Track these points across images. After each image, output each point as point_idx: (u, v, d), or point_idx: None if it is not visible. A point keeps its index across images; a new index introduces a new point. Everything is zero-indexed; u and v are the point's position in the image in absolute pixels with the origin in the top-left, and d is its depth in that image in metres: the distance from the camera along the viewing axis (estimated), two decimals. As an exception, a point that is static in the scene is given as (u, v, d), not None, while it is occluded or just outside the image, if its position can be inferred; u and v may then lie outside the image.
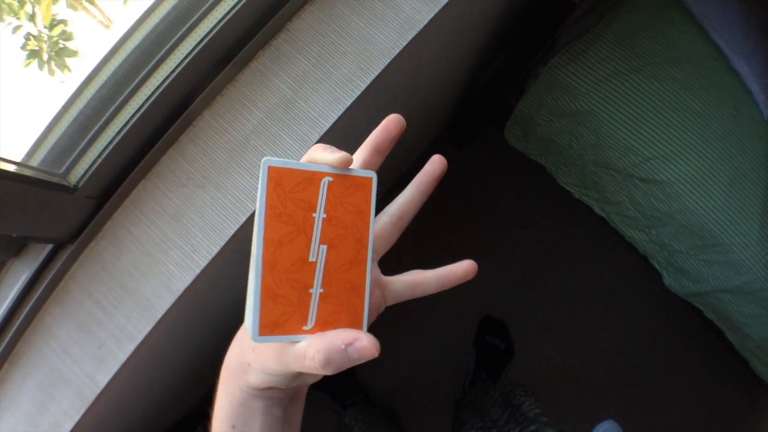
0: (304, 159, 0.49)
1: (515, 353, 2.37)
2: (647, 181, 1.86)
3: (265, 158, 0.44)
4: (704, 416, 2.40)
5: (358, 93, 0.95)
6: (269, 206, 0.44)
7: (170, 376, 1.37)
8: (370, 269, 0.49)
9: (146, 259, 0.92)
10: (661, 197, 1.87)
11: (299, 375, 0.50)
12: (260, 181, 0.44)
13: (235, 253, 1.02)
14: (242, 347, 0.52)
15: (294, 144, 0.93)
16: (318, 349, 0.44)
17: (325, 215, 0.46)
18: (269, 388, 0.52)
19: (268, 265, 0.45)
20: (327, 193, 0.46)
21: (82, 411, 0.91)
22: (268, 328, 0.45)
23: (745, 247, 1.80)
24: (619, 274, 2.50)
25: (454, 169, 2.47)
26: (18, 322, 0.91)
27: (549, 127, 2.02)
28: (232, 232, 0.91)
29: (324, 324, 0.47)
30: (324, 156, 0.47)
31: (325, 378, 0.52)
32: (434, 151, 1.96)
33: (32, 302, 0.91)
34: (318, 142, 0.93)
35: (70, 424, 0.91)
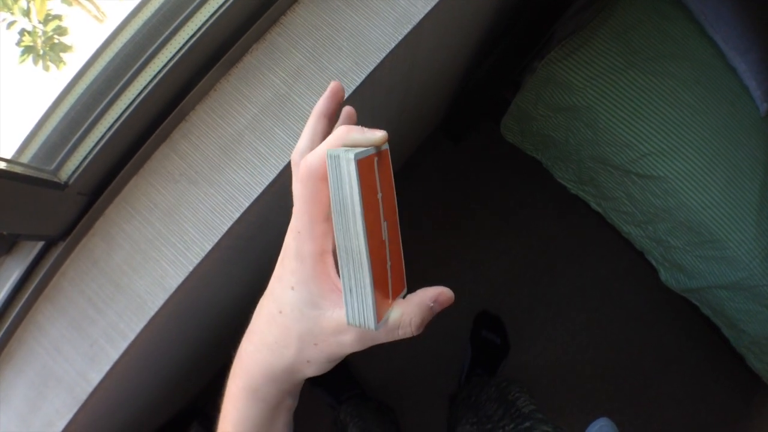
0: (336, 143, 0.48)
1: (511, 349, 2.37)
2: (644, 176, 1.86)
3: (341, 151, 0.43)
4: (700, 412, 2.40)
5: (354, 88, 0.94)
6: (365, 201, 0.44)
7: (164, 373, 1.36)
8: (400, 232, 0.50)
9: (138, 256, 0.91)
10: (657, 193, 1.86)
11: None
12: (348, 175, 0.43)
13: (229, 250, 1.01)
14: (295, 348, 0.50)
15: (288, 139, 0.93)
16: (414, 314, 0.46)
17: (381, 194, 0.47)
18: (299, 382, 0.54)
19: (373, 257, 0.45)
20: (378, 173, 0.47)
21: (75, 410, 0.90)
22: (380, 315, 0.45)
23: (741, 244, 1.80)
24: (615, 269, 2.50)
25: (449, 164, 2.47)
26: (9, 320, 0.91)
27: (545, 122, 2.02)
28: (226, 228, 0.91)
29: (395, 292, 0.49)
30: (367, 138, 0.46)
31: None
32: (430, 146, 1.95)
33: (24, 300, 0.90)
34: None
35: (63, 423, 0.90)
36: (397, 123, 1.53)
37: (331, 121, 0.56)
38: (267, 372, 0.52)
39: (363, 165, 0.43)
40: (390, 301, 0.47)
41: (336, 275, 0.48)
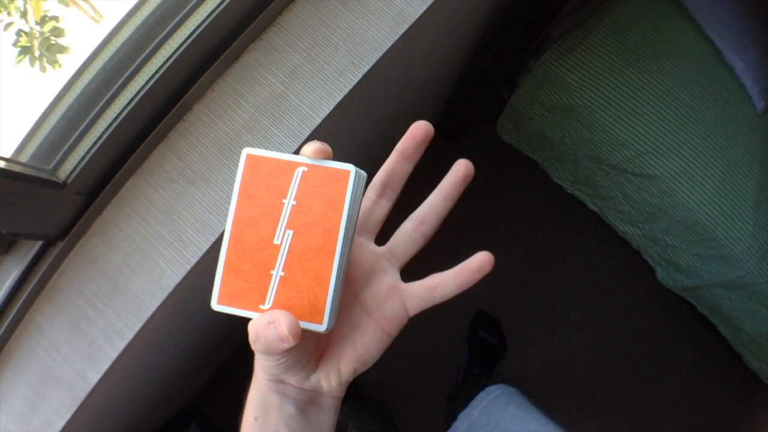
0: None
1: (508, 349, 2.37)
2: (640, 175, 1.86)
3: (246, 148, 0.49)
4: (698, 411, 2.41)
5: (350, 87, 0.94)
6: (242, 188, 0.48)
7: (163, 372, 1.36)
8: (340, 263, 0.49)
9: (136, 255, 0.92)
10: (654, 192, 1.87)
11: (289, 368, 0.51)
12: (239, 166, 0.49)
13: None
14: None
15: (285, 139, 0.93)
16: (252, 325, 0.47)
17: (294, 202, 0.48)
18: (278, 382, 0.53)
19: (234, 241, 0.49)
20: (300, 182, 0.48)
21: (74, 409, 0.90)
22: (226, 298, 0.49)
23: (738, 242, 1.80)
24: (611, 269, 2.51)
25: (445, 163, 2.46)
26: (8, 320, 0.91)
27: (541, 121, 2.02)
28: (223, 227, 0.91)
29: (281, 306, 0.48)
30: (304, 148, 0.49)
31: None
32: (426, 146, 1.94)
33: (22, 300, 0.90)
34: (309, 136, 0.93)
35: (62, 423, 0.90)
36: (393, 122, 1.54)
37: (408, 161, 0.60)
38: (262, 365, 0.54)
39: (257, 161, 0.49)
40: (265, 307, 0.49)
41: None
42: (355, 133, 1.27)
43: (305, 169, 0.48)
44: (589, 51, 1.84)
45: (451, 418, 1.87)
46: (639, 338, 2.46)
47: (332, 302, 0.49)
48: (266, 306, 0.48)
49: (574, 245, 2.53)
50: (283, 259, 0.48)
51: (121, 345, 0.91)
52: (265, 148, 0.50)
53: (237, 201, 0.48)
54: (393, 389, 2.33)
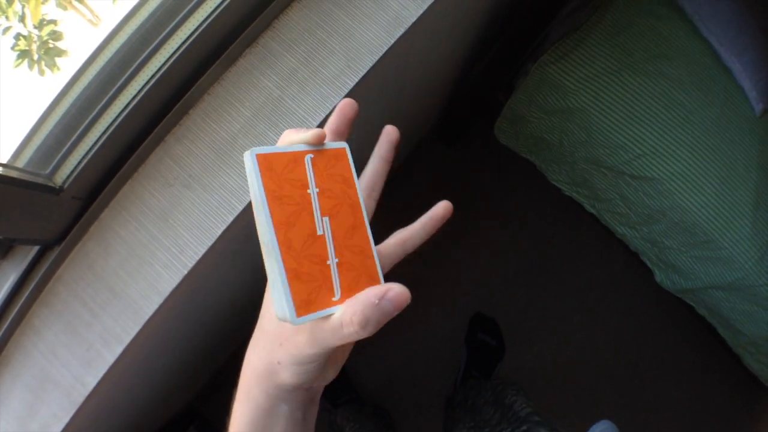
0: (278, 144, 0.50)
1: (506, 351, 2.37)
2: (638, 178, 1.86)
3: (252, 149, 0.45)
4: (697, 412, 2.41)
5: (346, 91, 0.95)
6: (268, 191, 0.45)
7: (160, 376, 1.37)
8: (370, 230, 0.50)
9: (133, 260, 0.92)
10: (652, 194, 1.87)
11: (330, 362, 0.51)
12: (250, 170, 0.45)
13: (223, 253, 1.01)
14: (267, 349, 0.51)
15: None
16: (354, 311, 0.44)
17: (317, 189, 0.48)
18: (296, 389, 0.52)
19: (285, 247, 0.45)
20: (313, 169, 0.48)
21: (71, 413, 0.91)
22: (302, 308, 0.45)
23: (736, 244, 1.80)
24: (610, 271, 2.51)
25: (443, 167, 2.47)
26: (6, 325, 0.91)
27: (539, 124, 2.02)
28: (220, 232, 0.91)
29: (349, 291, 0.47)
30: (299, 136, 0.49)
31: None
32: (424, 148, 1.95)
33: (20, 304, 0.90)
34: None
35: (59, 427, 0.90)
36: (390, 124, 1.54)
37: (388, 162, 0.60)
38: (253, 374, 0.53)
39: (269, 159, 0.46)
40: (336, 298, 0.47)
41: None
42: (352, 136, 1.27)
43: (311, 155, 0.48)
44: (586, 54, 1.84)
45: (451, 421, 1.87)
46: (638, 340, 2.46)
47: (380, 267, 0.50)
48: (337, 297, 0.47)
49: (573, 247, 2.53)
50: (332, 246, 0.48)
51: (119, 349, 0.91)
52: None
53: (268, 206, 0.45)
54: (392, 392, 2.33)
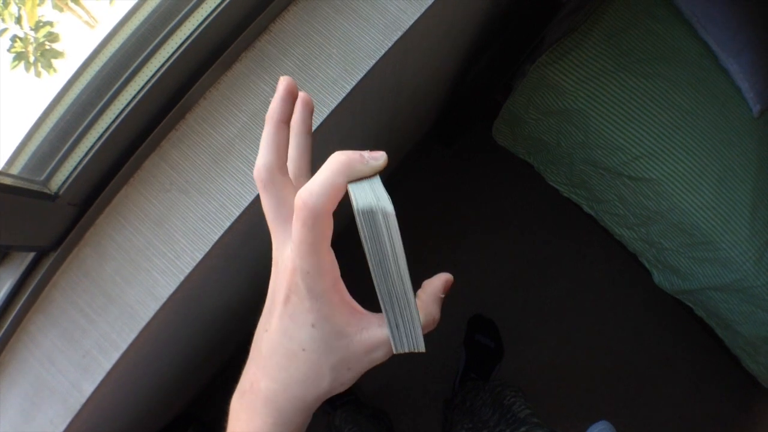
0: (340, 174, 0.43)
1: (505, 352, 2.37)
2: (636, 179, 1.86)
3: (374, 203, 0.41)
4: (695, 413, 2.41)
5: (344, 95, 0.94)
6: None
7: (158, 381, 1.36)
8: None
9: (130, 266, 0.91)
10: (650, 195, 1.87)
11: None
12: (383, 229, 0.41)
13: (220, 259, 1.01)
14: (330, 378, 0.49)
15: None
16: (434, 311, 0.49)
17: None
18: (319, 401, 0.52)
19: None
20: None
21: (68, 420, 0.90)
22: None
23: (734, 245, 1.80)
24: (608, 272, 2.51)
25: (441, 168, 2.46)
26: (2, 332, 0.90)
27: (537, 125, 2.02)
28: (217, 237, 0.91)
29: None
30: (371, 166, 0.44)
31: None
32: (422, 150, 1.94)
33: (16, 311, 0.90)
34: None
35: (56, 434, 0.90)
36: (387, 128, 1.53)
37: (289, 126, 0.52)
38: (301, 405, 0.51)
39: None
40: None
41: (350, 296, 0.48)
42: (350, 138, 1.27)
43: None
44: (584, 55, 1.84)
45: (449, 423, 1.87)
46: (636, 341, 2.46)
47: None
48: None
49: (571, 249, 2.53)
50: None
51: (115, 356, 0.90)
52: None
53: (405, 264, 0.43)
54: (390, 393, 2.33)
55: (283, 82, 0.50)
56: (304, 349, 0.48)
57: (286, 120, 0.50)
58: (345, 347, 0.47)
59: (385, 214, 0.40)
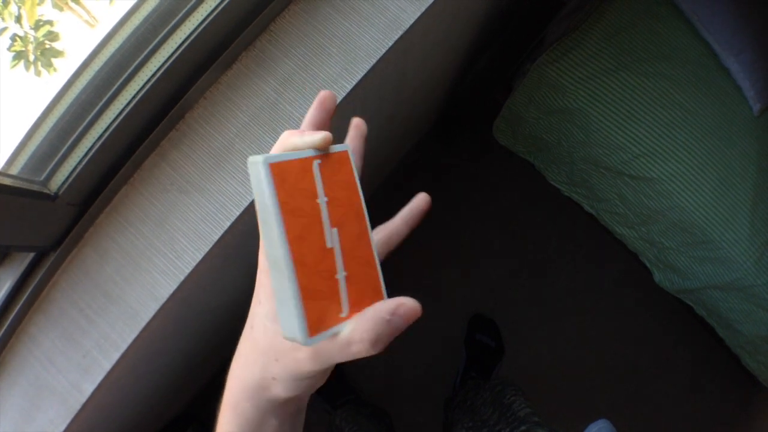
0: (277, 149, 0.47)
1: (505, 351, 2.37)
2: (637, 178, 1.86)
3: (259, 157, 0.42)
4: (696, 412, 2.40)
5: (344, 94, 0.94)
6: (282, 204, 0.42)
7: (158, 381, 1.36)
8: (373, 238, 0.48)
9: (130, 266, 0.91)
10: (650, 194, 1.87)
11: (326, 372, 0.49)
12: (261, 181, 0.42)
13: (220, 258, 1.01)
14: (260, 363, 0.49)
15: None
16: (365, 329, 0.42)
17: (326, 198, 0.45)
18: (288, 402, 0.51)
19: (299, 264, 0.42)
20: (321, 177, 0.45)
21: (68, 420, 0.90)
22: (314, 328, 0.42)
23: (735, 244, 1.80)
24: (608, 271, 2.50)
25: (441, 168, 2.46)
26: (2, 332, 0.90)
27: (537, 124, 2.02)
28: (217, 237, 0.90)
29: (356, 305, 0.45)
30: (305, 140, 0.45)
31: None
32: (422, 149, 1.95)
33: (16, 311, 0.90)
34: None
35: (56, 433, 0.90)
36: (388, 127, 1.53)
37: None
38: (243, 388, 0.51)
39: (281, 168, 0.42)
40: (344, 315, 0.44)
41: None
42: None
43: (319, 161, 0.45)
44: (584, 54, 1.83)
45: (450, 422, 1.87)
46: (637, 340, 2.46)
47: (381, 275, 0.47)
48: (344, 313, 0.44)
49: (571, 248, 2.52)
50: (341, 259, 0.45)
51: (116, 356, 0.90)
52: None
53: (283, 220, 0.42)
54: (391, 393, 2.33)
55: (320, 94, 0.53)
56: (252, 327, 0.49)
57: (315, 126, 0.53)
58: (276, 333, 0.47)
59: (256, 164, 0.42)
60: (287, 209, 0.42)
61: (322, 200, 0.44)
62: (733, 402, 2.43)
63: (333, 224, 0.45)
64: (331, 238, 0.45)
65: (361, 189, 0.48)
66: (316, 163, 0.45)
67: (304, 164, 0.44)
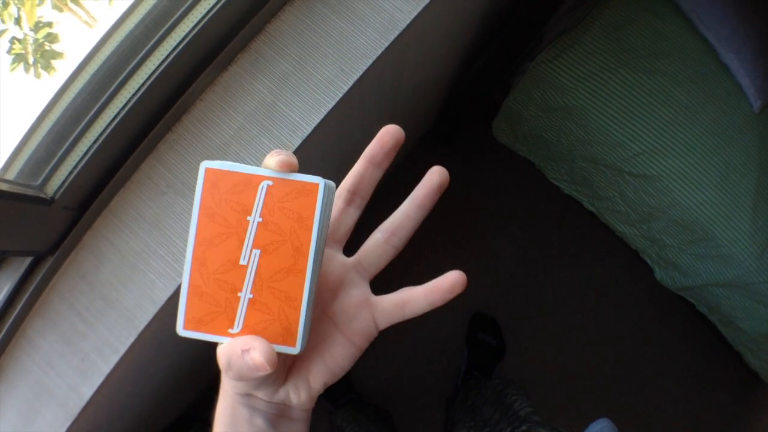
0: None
1: (507, 350, 2.37)
2: (637, 175, 1.86)
3: (205, 161, 0.46)
4: (698, 410, 2.40)
5: (340, 95, 0.94)
6: (203, 206, 0.45)
7: (157, 383, 1.36)
8: (311, 282, 0.47)
9: (127, 269, 0.91)
10: (651, 192, 1.86)
11: (258, 385, 0.49)
12: (198, 182, 0.45)
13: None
14: None
15: (274, 148, 0.92)
16: (222, 350, 0.44)
17: (260, 219, 0.46)
18: (247, 395, 0.51)
19: (198, 263, 0.45)
20: (265, 197, 0.46)
21: (67, 424, 0.90)
22: (192, 323, 0.46)
23: (736, 241, 1.80)
24: (610, 269, 2.50)
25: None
26: (0, 336, 0.90)
27: (537, 122, 2.01)
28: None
29: (251, 330, 0.46)
30: (267, 160, 0.46)
31: None
32: (421, 148, 1.94)
33: (14, 315, 0.90)
34: (300, 145, 0.93)
35: (55, 437, 0.90)
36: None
37: (378, 167, 0.54)
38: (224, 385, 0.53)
39: (217, 176, 0.45)
40: (234, 331, 0.46)
41: None
42: (347, 139, 1.27)
43: (270, 183, 0.45)
44: (583, 51, 1.83)
45: (451, 421, 1.87)
46: (638, 338, 2.46)
47: (305, 323, 0.47)
48: (235, 330, 0.46)
49: (572, 246, 2.52)
50: (251, 281, 0.46)
51: (114, 359, 0.90)
52: (255, 158, 0.48)
53: (197, 220, 0.45)
54: (392, 393, 2.33)
55: (382, 130, 0.54)
56: None
57: (376, 162, 0.54)
58: None
59: (201, 165, 0.46)
60: (206, 212, 0.45)
61: (254, 219, 0.46)
62: (735, 399, 2.43)
63: (257, 245, 0.46)
64: (247, 256, 0.46)
65: (318, 228, 0.47)
66: (265, 183, 0.46)
67: (249, 179, 0.46)
